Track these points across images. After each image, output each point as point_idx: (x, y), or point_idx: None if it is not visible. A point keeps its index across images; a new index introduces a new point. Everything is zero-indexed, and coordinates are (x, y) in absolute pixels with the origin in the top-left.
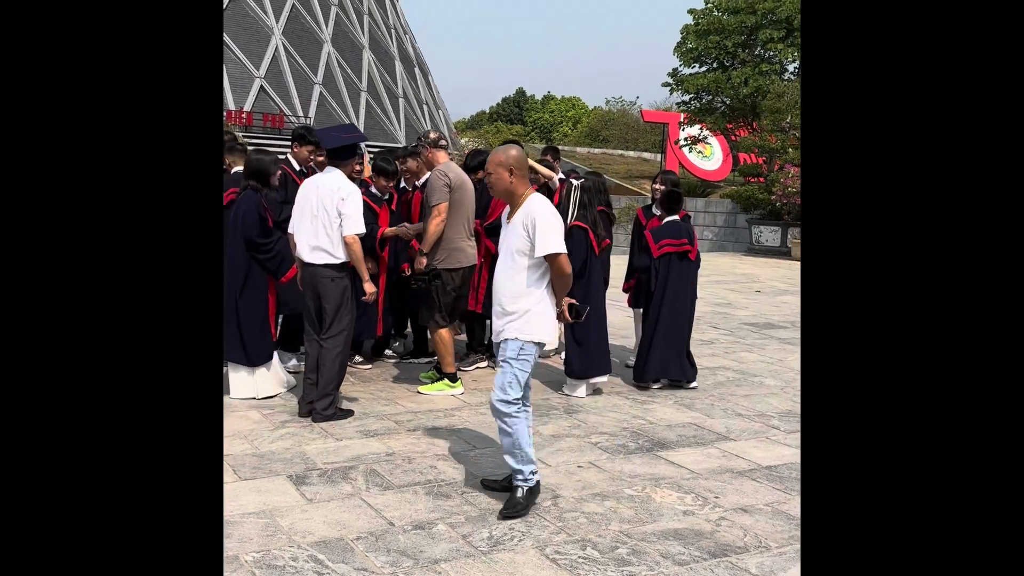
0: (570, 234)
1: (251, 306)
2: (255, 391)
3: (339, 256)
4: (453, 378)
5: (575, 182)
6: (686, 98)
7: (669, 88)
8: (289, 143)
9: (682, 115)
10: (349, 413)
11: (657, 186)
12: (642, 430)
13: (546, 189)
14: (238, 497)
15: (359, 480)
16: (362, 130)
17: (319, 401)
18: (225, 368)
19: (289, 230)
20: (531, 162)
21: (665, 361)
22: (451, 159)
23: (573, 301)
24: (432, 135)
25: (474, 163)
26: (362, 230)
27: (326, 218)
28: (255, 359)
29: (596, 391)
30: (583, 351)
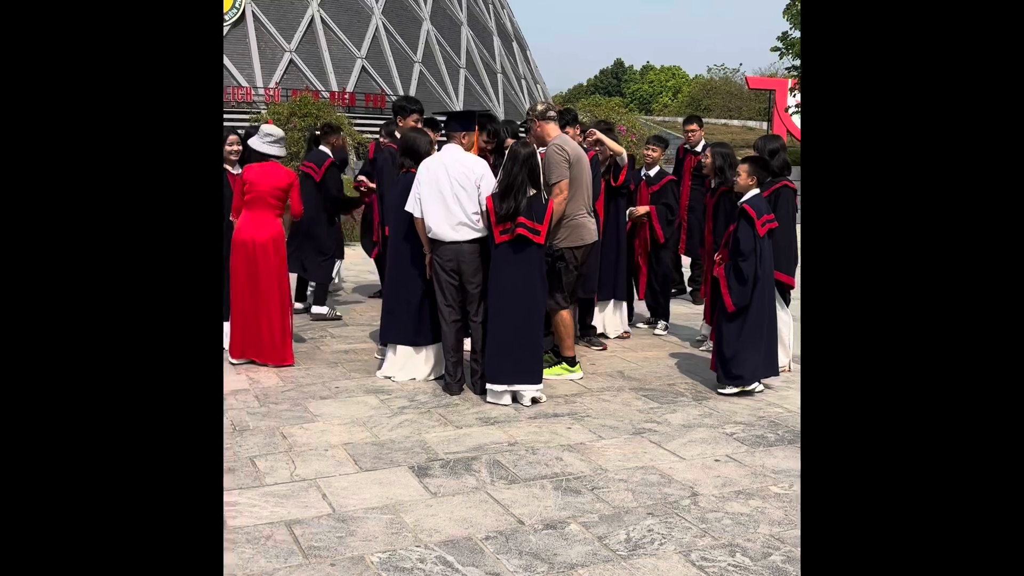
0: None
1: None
2: (417, 372)
3: (481, 230)
4: (572, 362)
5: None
6: (797, 63)
7: (779, 52)
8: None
9: (790, 80)
10: None
11: (651, 153)
12: (780, 419)
13: (615, 164)
14: (360, 490)
15: (483, 472)
16: (461, 107)
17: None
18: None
19: (408, 209)
20: (598, 134)
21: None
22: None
23: None
24: (540, 107)
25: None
26: None
27: (465, 195)
28: (422, 339)
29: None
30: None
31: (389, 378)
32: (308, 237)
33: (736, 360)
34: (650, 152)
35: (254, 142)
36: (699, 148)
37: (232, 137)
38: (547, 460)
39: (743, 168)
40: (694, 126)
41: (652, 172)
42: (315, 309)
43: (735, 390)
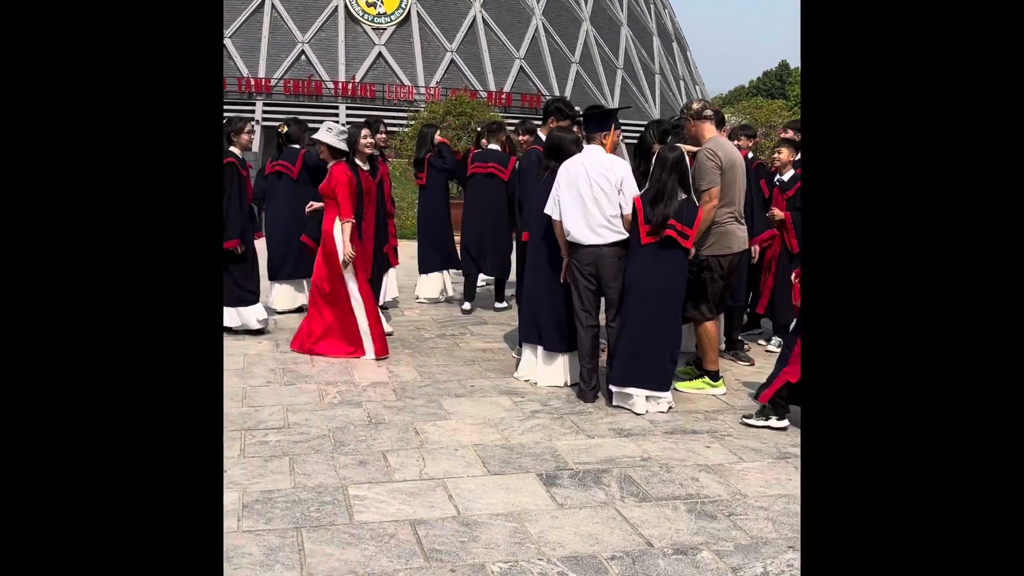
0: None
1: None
2: (553, 377)
3: (622, 233)
4: (715, 377)
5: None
6: None
7: None
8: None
9: None
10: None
11: (779, 156)
12: None
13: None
14: (487, 494)
15: (613, 487)
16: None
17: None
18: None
19: (547, 211)
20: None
21: None
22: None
23: None
24: (695, 105)
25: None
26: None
27: (605, 197)
28: (560, 345)
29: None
30: None
31: (528, 381)
32: (495, 234)
33: None
34: (777, 155)
35: (327, 137)
36: None
37: (365, 131)
38: (682, 479)
39: None
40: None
41: (786, 177)
42: (498, 305)
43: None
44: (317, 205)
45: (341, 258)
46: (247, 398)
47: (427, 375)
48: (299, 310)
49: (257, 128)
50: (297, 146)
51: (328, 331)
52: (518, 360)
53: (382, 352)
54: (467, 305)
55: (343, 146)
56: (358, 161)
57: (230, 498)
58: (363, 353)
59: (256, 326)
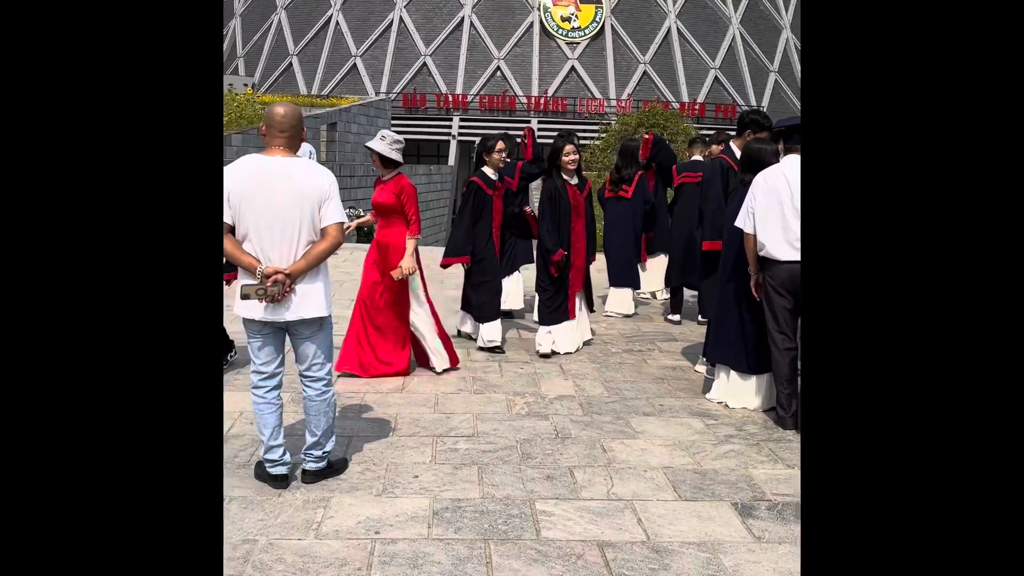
0: None
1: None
2: (748, 401)
3: None
4: None
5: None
6: None
7: None
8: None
9: None
10: None
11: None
12: None
13: None
14: (678, 520)
15: None
16: None
17: None
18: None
19: (739, 224)
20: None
21: None
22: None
23: None
24: None
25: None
26: None
27: None
28: (755, 366)
29: None
30: None
31: (720, 403)
32: (696, 247)
33: None
34: None
35: (380, 147)
36: None
37: (569, 147)
38: None
39: None
40: None
41: None
42: (702, 318)
43: None
44: (363, 220)
45: (404, 272)
46: (439, 405)
47: (614, 391)
48: (507, 315)
49: (453, 143)
50: (509, 159)
51: (374, 347)
52: (709, 380)
53: (455, 362)
54: (676, 316)
55: (397, 156)
56: (565, 176)
57: (421, 504)
58: (403, 367)
59: (488, 344)
